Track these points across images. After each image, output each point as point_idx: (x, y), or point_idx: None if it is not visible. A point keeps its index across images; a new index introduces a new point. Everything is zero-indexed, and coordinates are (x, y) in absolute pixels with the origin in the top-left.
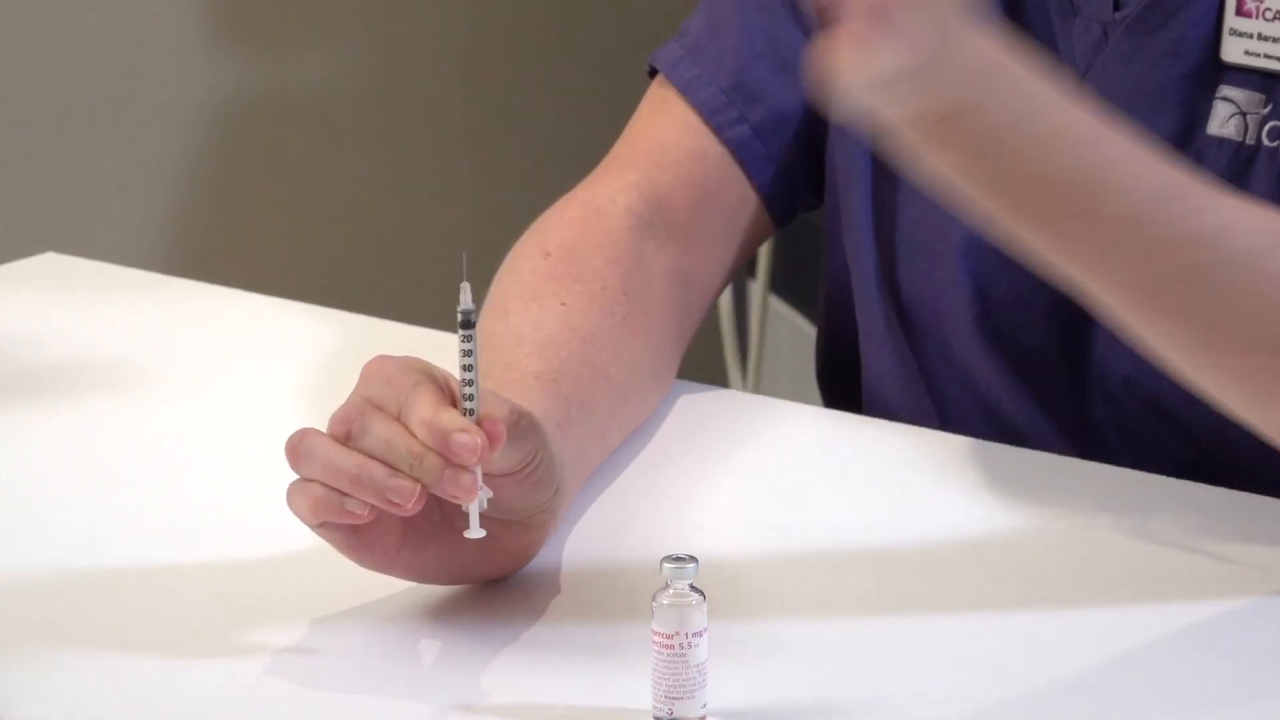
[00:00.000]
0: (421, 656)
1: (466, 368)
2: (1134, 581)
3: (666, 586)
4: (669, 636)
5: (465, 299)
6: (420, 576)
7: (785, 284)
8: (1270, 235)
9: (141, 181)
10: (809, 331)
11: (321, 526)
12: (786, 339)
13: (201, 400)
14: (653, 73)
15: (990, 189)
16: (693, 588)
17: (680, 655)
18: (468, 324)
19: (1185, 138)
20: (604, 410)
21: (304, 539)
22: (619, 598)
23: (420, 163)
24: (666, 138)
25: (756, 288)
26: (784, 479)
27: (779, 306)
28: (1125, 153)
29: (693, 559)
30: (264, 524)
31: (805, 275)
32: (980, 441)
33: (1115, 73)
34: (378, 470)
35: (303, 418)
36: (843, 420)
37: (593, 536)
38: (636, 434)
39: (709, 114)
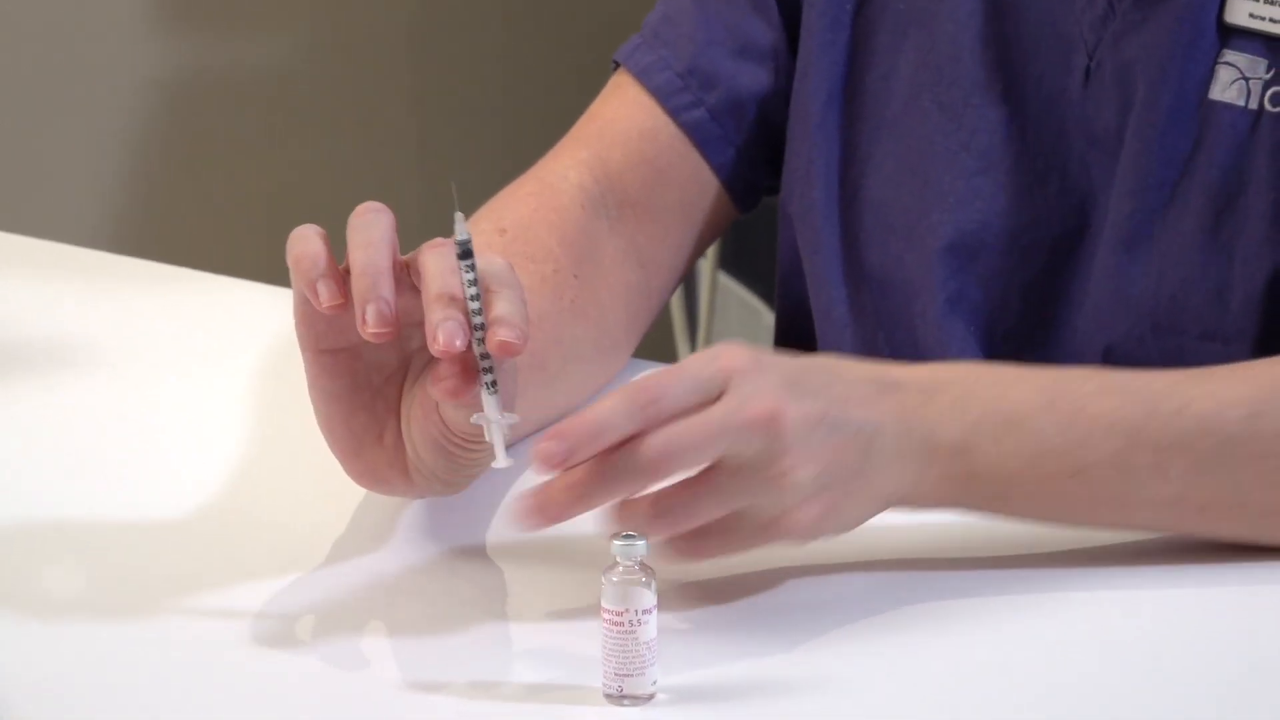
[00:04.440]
0: (371, 634)
1: (473, 297)
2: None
3: (615, 564)
4: (618, 614)
5: (460, 229)
6: (415, 453)
7: (734, 261)
8: (1252, 401)
9: (85, 159)
10: (758, 308)
11: (320, 353)
12: (735, 315)
13: (146, 379)
14: (616, 68)
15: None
16: (642, 565)
17: (629, 632)
18: (467, 254)
19: (1190, 104)
20: (525, 399)
21: (256, 518)
22: (570, 575)
23: (369, 142)
24: (618, 116)
25: (705, 264)
26: None
27: (728, 283)
28: (1084, 394)
29: (642, 537)
30: (213, 503)
31: (754, 252)
32: None
33: (1125, 44)
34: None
35: (250, 397)
36: None
37: None
38: None
39: (664, 97)
